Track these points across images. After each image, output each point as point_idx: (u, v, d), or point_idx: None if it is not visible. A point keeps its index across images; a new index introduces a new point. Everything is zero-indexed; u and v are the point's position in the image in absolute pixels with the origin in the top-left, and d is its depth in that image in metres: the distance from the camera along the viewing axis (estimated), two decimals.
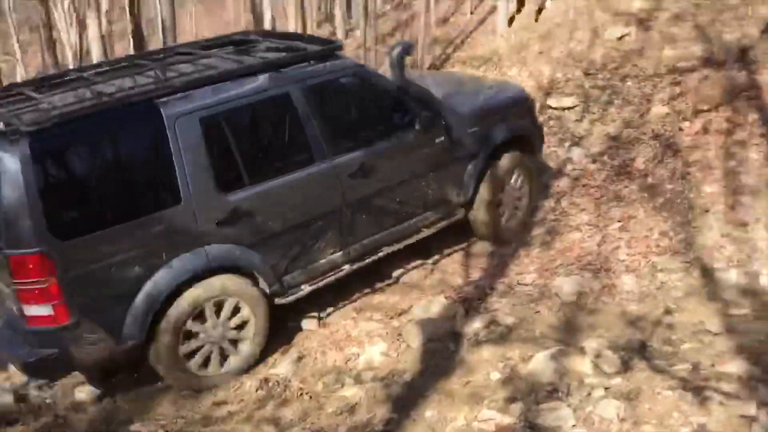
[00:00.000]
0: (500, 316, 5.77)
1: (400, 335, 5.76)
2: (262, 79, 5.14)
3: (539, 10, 12.02)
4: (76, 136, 4.43)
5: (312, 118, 5.29)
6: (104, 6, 12.30)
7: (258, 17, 12.67)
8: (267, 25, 11.66)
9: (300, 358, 5.75)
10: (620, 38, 10.77)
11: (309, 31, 17.95)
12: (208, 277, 4.94)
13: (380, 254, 5.94)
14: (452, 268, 6.77)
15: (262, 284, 5.27)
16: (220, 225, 4.93)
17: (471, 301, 6.14)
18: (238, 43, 6.00)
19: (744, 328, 5.13)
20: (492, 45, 11.36)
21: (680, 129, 8.00)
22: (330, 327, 6.15)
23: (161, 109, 4.74)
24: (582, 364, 4.82)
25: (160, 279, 4.69)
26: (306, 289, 5.57)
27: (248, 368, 5.40)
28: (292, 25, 16.04)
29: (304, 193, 5.30)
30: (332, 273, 5.70)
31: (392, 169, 5.75)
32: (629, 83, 9.71)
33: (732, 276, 5.87)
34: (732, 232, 6.34)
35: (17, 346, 4.59)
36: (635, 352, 4.99)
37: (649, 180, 7.47)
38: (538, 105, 9.68)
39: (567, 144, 8.67)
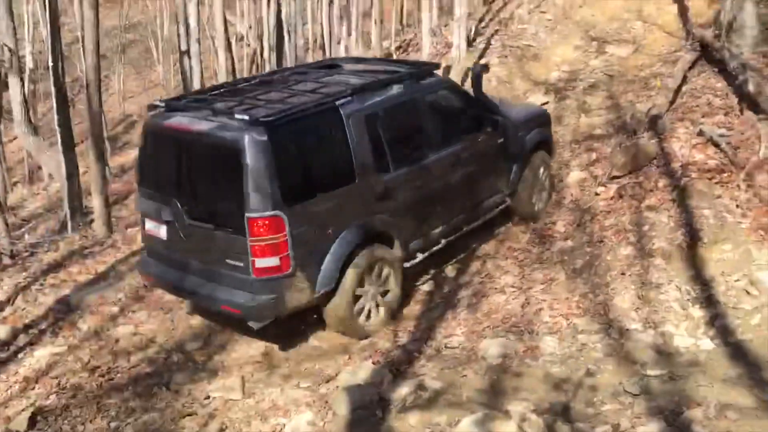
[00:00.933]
0: (428, 380, 5.78)
1: (327, 403, 5.68)
2: (396, 88, 6.73)
3: (464, 77, 12.48)
4: (294, 128, 5.79)
5: (428, 119, 6.92)
6: (29, 65, 12.05)
7: (185, 77, 12.68)
8: (196, 85, 11.66)
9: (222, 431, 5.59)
10: (541, 105, 11.29)
11: None
12: (371, 242, 6.29)
13: (461, 233, 7.40)
14: (381, 330, 6.77)
15: (396, 250, 6.61)
16: (378, 201, 6.36)
17: (399, 366, 6.13)
18: (332, 66, 7.69)
19: (661, 389, 5.29)
20: None
21: (596, 194, 8.37)
22: (255, 396, 6.00)
23: (340, 109, 6.17)
24: (508, 429, 4.86)
25: (344, 241, 6.04)
26: (419, 257, 6.92)
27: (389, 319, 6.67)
28: None
29: (425, 178, 6.79)
30: (435, 246, 7.11)
31: (472, 161, 7.32)
32: None
33: (648, 337, 6.09)
34: (647, 293, 6.60)
35: (237, 295, 5.79)
36: (559, 415, 5.07)
37: (569, 243, 7.75)
38: None
39: None
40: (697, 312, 6.28)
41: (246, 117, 5.65)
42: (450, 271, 7.83)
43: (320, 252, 5.97)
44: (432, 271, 7.75)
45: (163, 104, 6.45)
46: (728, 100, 9.28)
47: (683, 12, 13.57)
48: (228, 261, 5.83)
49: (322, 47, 19.96)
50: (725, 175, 7.71)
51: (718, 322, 6.08)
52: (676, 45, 12.59)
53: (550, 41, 13.58)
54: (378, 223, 6.42)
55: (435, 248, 7.14)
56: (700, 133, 8.49)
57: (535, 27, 14.71)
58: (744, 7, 10.77)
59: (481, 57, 13.23)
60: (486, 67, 8.02)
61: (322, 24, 19.53)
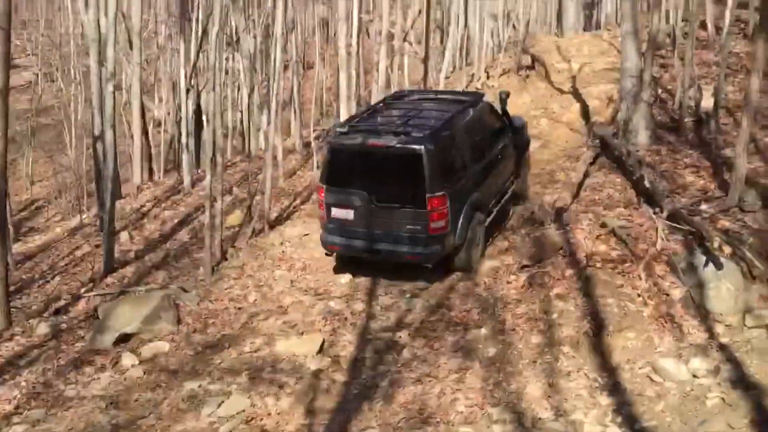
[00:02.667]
0: None
1: None
2: (472, 110, 9.75)
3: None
4: (441, 139, 8.70)
5: (485, 129, 9.96)
6: None
7: (98, 161, 12.50)
8: (110, 173, 11.47)
9: None
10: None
11: (156, 178, 17.86)
12: (476, 211, 9.21)
13: (501, 202, 10.20)
14: (294, 422, 6.63)
15: (484, 215, 9.49)
16: (474, 184, 9.19)
17: None
18: (398, 97, 10.73)
19: None
20: None
21: (508, 282, 8.65)
22: None
23: (454, 121, 9.18)
24: None
25: (466, 212, 8.96)
26: (487, 221, 9.58)
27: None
28: (137, 174, 15.94)
29: (489, 167, 9.73)
30: (493, 209, 9.89)
31: (504, 153, 10.32)
32: None
33: (559, 426, 6.22)
34: (557, 381, 6.79)
35: (418, 247, 8.64)
36: None
37: (483, 331, 7.91)
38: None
39: (408, 295, 9.02)
40: (605, 399, 6.48)
41: (420, 135, 8.51)
42: (368, 359, 7.81)
43: (456, 218, 8.79)
44: (351, 358, 7.72)
45: (345, 129, 8.99)
46: (627, 194, 9.94)
47: (585, 111, 14.63)
48: (408, 227, 8.63)
49: (242, 134, 20.20)
50: (626, 265, 8.16)
51: (624, 409, 6.29)
52: (579, 141, 13.48)
53: None
54: (476, 198, 9.23)
55: (494, 210, 9.97)
56: (603, 225, 9.01)
57: None
58: (638, 109, 11.75)
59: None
60: (508, 94, 11.35)
61: (241, 111, 19.86)
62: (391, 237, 8.72)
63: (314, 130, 16.38)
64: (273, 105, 12.39)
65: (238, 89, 19.56)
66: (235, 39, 17.94)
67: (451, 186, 8.62)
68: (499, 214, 10.12)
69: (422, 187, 8.37)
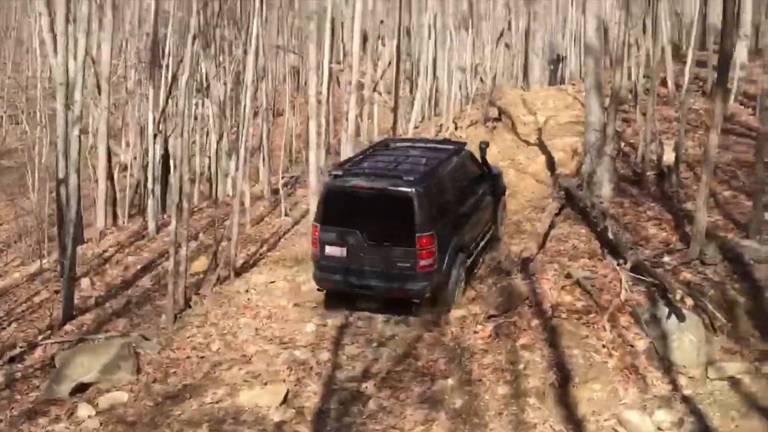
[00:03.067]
0: None
1: None
2: (455, 158, 10.50)
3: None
4: (430, 183, 9.32)
5: (467, 175, 10.67)
6: None
7: (61, 205, 12.32)
8: (73, 217, 11.30)
9: None
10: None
11: (120, 223, 17.63)
12: (459, 251, 9.71)
13: (481, 242, 10.79)
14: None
15: (465, 255, 9.91)
16: (457, 226, 9.77)
17: None
18: (385, 144, 11.39)
19: None
20: (305, 246, 11.84)
21: (475, 332, 8.66)
22: None
23: (440, 167, 9.90)
24: None
25: (451, 251, 9.41)
26: (468, 261, 10.04)
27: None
28: (101, 218, 15.73)
29: (471, 211, 10.37)
30: (474, 251, 10.43)
31: (483, 198, 11.02)
32: None
33: None
34: None
35: (407, 283, 9.10)
36: None
37: (450, 381, 7.86)
38: (348, 306, 10.10)
39: (374, 345, 8.96)
40: None
41: (411, 178, 9.15)
42: (333, 410, 7.69)
43: (442, 257, 9.25)
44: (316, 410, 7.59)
45: (341, 173, 9.57)
46: (591, 245, 10.11)
47: (550, 163, 14.94)
48: (399, 264, 9.11)
49: (209, 180, 20.12)
50: (591, 315, 8.25)
51: None
52: (545, 192, 13.73)
53: None
54: (460, 240, 9.76)
55: (474, 252, 10.46)
56: (568, 276, 9.12)
57: None
58: (602, 162, 12.04)
59: None
60: (488, 144, 12.32)
61: (209, 157, 19.83)
62: (381, 275, 9.22)
63: (283, 177, 16.40)
64: (242, 151, 12.42)
65: (207, 135, 19.58)
66: (205, 85, 18.04)
67: (438, 227, 9.17)
68: (478, 257, 10.67)
69: (412, 227, 8.96)
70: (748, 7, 18.89)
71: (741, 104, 16.80)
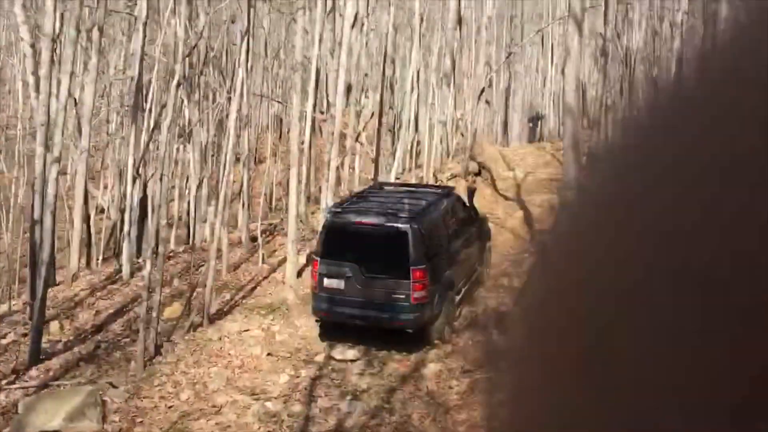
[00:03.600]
0: None
1: None
2: (446, 200, 11.31)
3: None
4: (423, 221, 10.08)
5: (456, 217, 11.45)
6: None
7: (34, 247, 12.15)
8: (46, 259, 11.14)
9: None
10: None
11: (94, 266, 17.38)
12: (449, 287, 10.48)
13: (469, 282, 11.39)
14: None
15: (454, 291, 10.71)
16: (448, 265, 10.47)
17: None
18: (380, 187, 12.40)
19: None
20: (281, 295, 11.76)
21: (450, 387, 8.57)
22: None
23: (431, 208, 10.76)
24: None
25: (442, 286, 10.15)
26: (457, 298, 10.72)
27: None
28: (74, 261, 15.52)
29: (460, 250, 11.14)
30: (462, 288, 11.05)
31: (469, 241, 11.62)
32: (407, 340, 10.42)
33: None
34: None
35: (401, 314, 9.75)
36: None
37: None
38: (322, 357, 9.99)
39: (348, 398, 8.83)
40: None
41: (406, 216, 9.98)
42: None
43: (434, 291, 9.90)
44: None
45: (340, 209, 10.51)
46: None
47: (528, 217, 15.07)
48: (393, 296, 9.81)
49: (187, 224, 19.99)
50: None
51: None
52: (522, 246, 13.78)
53: None
54: (450, 276, 10.50)
55: (463, 289, 11.10)
56: None
57: None
58: None
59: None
60: (475, 189, 13.79)
61: (189, 202, 19.74)
62: (378, 306, 9.91)
63: (262, 224, 16.35)
64: (221, 197, 12.40)
65: (187, 180, 19.54)
66: (187, 131, 18.10)
67: (430, 262, 9.94)
68: (466, 295, 11.20)
69: (406, 261, 9.68)
70: None
71: None
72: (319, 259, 10.16)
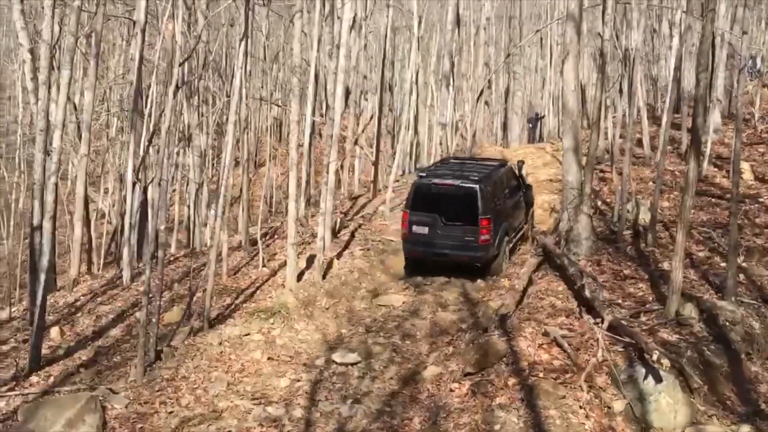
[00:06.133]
0: None
1: None
2: (502, 169, 13.89)
3: (327, 268, 12.80)
4: (488, 183, 12.66)
5: (510, 182, 13.92)
6: None
7: (34, 253, 12.11)
8: (45, 265, 11.08)
9: None
10: (400, 304, 11.73)
11: (95, 271, 17.36)
12: (507, 233, 13.15)
13: (521, 232, 14.25)
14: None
15: (510, 236, 13.39)
16: (504, 216, 13.09)
17: None
18: (444, 161, 15.26)
19: None
20: (281, 298, 11.70)
21: (451, 390, 8.51)
22: None
23: (495, 175, 13.38)
24: None
25: (501, 231, 12.73)
26: (510, 245, 13.43)
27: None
28: (75, 266, 15.48)
29: (513, 206, 13.77)
30: (516, 235, 14.00)
31: (521, 201, 14.29)
32: (408, 342, 10.38)
33: None
34: None
35: (472, 252, 12.34)
36: None
37: None
38: (323, 360, 9.95)
39: (349, 401, 8.77)
40: None
41: (476, 178, 12.60)
42: None
43: (495, 235, 12.47)
44: None
45: (425, 173, 13.24)
46: (569, 303, 10.08)
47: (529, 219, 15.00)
48: (466, 239, 12.33)
49: (188, 228, 19.96)
50: (569, 375, 8.15)
51: None
52: (523, 248, 13.76)
53: None
54: (506, 226, 13.07)
55: (516, 236, 13.92)
56: (545, 334, 9.06)
57: (396, 224, 15.56)
58: (579, 219, 12.13)
59: (348, 243, 13.69)
60: (523, 162, 15.57)
61: (189, 206, 19.71)
62: (454, 246, 12.44)
63: (262, 228, 16.31)
64: (221, 201, 12.35)
65: (187, 184, 19.51)
66: (187, 135, 18.06)
67: (493, 214, 12.45)
68: (516, 244, 13.87)
69: (476, 212, 12.24)
70: (721, 73, 19.45)
71: (715, 167, 17.13)
72: (408, 211, 12.82)
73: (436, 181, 12.82)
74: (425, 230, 12.63)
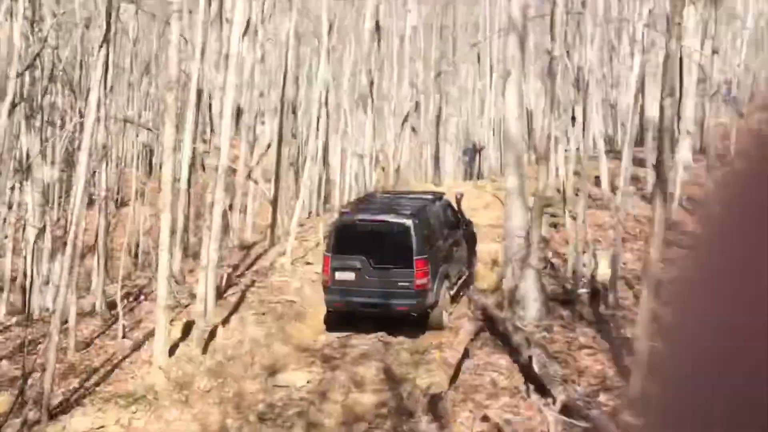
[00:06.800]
0: None
1: None
2: (437, 203, 14.88)
3: (210, 339, 12.55)
4: (421, 218, 13.39)
5: (445, 219, 14.80)
6: None
7: None
8: None
9: None
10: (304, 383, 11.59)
11: None
12: (445, 279, 13.73)
13: (458, 280, 14.77)
14: None
15: (449, 283, 14.01)
16: (441, 260, 13.66)
17: None
18: (369, 197, 16.90)
19: None
20: (148, 379, 11.39)
21: None
22: None
23: (429, 210, 14.24)
24: None
25: (441, 276, 13.32)
26: (451, 292, 14.00)
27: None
28: None
29: (446, 246, 14.14)
30: (455, 283, 14.51)
31: (458, 244, 14.97)
32: None
33: None
34: None
35: (406, 300, 12.81)
36: None
37: None
38: None
39: None
40: None
41: (409, 213, 13.28)
42: None
43: (434, 279, 12.95)
44: None
45: (348, 209, 14.41)
46: (514, 380, 10.23)
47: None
48: (399, 284, 12.78)
49: (23, 288, 19.19)
50: None
51: None
52: (458, 311, 13.94)
53: (316, 298, 14.29)
54: (446, 266, 13.71)
55: (458, 281, 14.60)
56: (485, 419, 9.13)
57: (299, 281, 15.54)
58: (526, 276, 12.40)
59: (238, 305, 13.49)
60: (462, 194, 16.55)
61: (25, 258, 18.99)
62: (384, 294, 12.92)
63: (123, 287, 15.89)
64: (69, 251, 11.97)
65: (24, 229, 18.84)
66: (25, 165, 17.53)
67: (430, 254, 13.07)
68: (457, 292, 14.51)
69: (410, 252, 12.80)
70: (690, 101, 20.56)
71: (686, 210, 17.96)
72: (330, 255, 13.39)
73: (362, 217, 13.55)
74: (351, 276, 13.19)
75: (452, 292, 14.04)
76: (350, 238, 13.27)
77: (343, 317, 13.52)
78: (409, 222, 12.99)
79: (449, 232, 14.64)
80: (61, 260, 13.55)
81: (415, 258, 12.76)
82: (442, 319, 13.21)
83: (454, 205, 15.71)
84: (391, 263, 12.95)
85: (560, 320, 12.14)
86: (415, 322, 12.94)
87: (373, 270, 13.08)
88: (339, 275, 13.23)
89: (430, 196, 15.34)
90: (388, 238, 13.09)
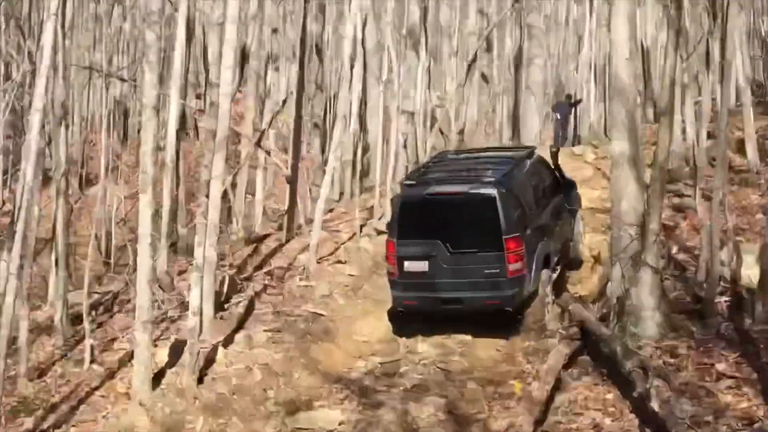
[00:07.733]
0: None
1: None
2: (529, 162, 15.83)
3: (207, 365, 12.67)
4: (513, 181, 14.51)
5: (539, 183, 15.94)
6: None
7: None
8: None
9: None
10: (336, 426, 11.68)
11: None
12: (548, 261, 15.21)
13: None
14: None
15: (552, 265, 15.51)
16: (541, 233, 14.95)
17: None
18: (439, 160, 17.02)
19: None
20: (123, 418, 11.57)
21: None
22: None
23: (517, 171, 15.28)
24: None
25: (537, 255, 14.44)
26: (553, 277, 15.05)
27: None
28: None
29: (544, 218, 15.21)
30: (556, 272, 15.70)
31: (558, 214, 16.08)
32: None
33: None
34: None
35: (497, 293, 13.66)
36: None
37: None
38: None
39: None
40: None
41: (493, 179, 13.94)
42: None
43: (531, 262, 13.82)
44: None
45: (414, 181, 14.64)
46: (625, 422, 10.17)
47: (558, 276, 15.19)
48: (486, 272, 13.47)
49: None
50: None
51: None
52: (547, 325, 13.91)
53: (351, 309, 14.37)
54: (545, 244, 14.62)
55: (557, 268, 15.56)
56: None
57: (328, 286, 15.60)
58: (641, 278, 12.27)
59: (244, 319, 13.62)
60: (558, 149, 18.23)
61: None
62: (469, 285, 13.61)
63: (91, 295, 16.15)
64: (17, 248, 12.20)
65: None
66: None
67: (524, 230, 13.84)
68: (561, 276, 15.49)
69: (499, 230, 13.43)
70: None
71: None
72: (395, 240, 14.03)
73: (432, 189, 14.07)
74: (424, 266, 13.90)
75: (554, 277, 14.77)
76: (419, 218, 13.85)
77: (415, 320, 14.00)
78: (494, 191, 13.50)
79: (547, 199, 15.32)
80: (6, 259, 13.80)
81: (504, 237, 13.32)
82: (545, 315, 13.85)
83: (550, 162, 16.25)
84: (475, 246, 13.55)
85: (689, 340, 12.02)
86: (511, 319, 13.50)
87: (452, 256, 13.69)
88: (408, 265, 13.85)
89: (518, 153, 15.95)
90: (467, 215, 13.57)
